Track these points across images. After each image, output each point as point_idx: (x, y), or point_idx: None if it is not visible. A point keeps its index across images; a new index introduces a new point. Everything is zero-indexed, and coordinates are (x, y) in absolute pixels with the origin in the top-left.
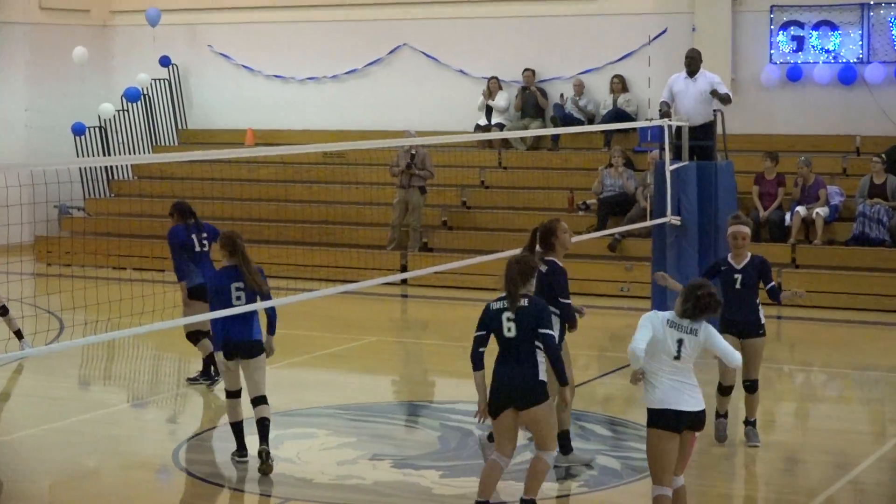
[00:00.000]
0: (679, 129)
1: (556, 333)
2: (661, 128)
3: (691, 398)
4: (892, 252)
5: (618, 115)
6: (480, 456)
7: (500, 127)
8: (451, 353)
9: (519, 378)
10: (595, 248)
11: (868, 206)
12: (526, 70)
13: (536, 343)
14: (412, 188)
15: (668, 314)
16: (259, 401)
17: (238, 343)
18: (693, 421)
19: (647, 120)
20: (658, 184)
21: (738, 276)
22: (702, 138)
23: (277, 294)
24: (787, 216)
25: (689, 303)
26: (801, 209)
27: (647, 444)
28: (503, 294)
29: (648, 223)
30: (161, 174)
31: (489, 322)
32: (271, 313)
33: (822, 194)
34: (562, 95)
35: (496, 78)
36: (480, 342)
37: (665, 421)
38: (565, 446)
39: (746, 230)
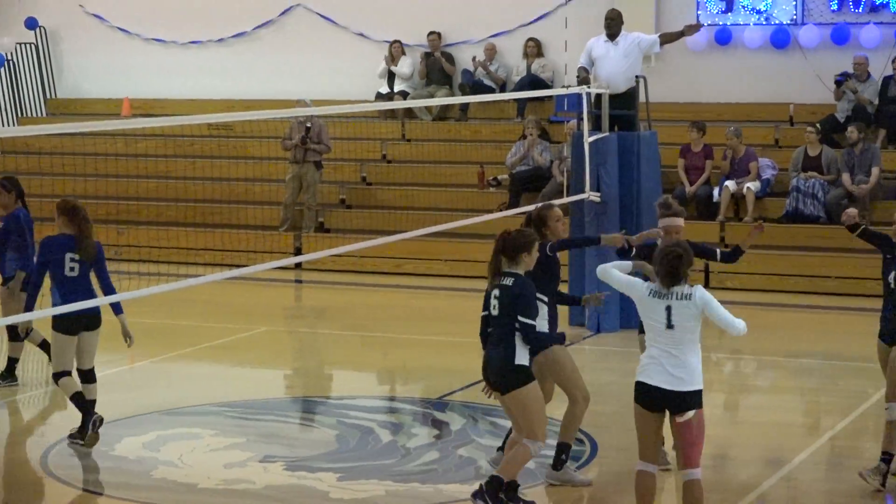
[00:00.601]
0: (599, 96)
1: (536, 323)
2: (578, 96)
3: (672, 375)
4: (827, 230)
5: (532, 82)
6: (383, 456)
7: (404, 95)
8: (350, 344)
9: (495, 360)
10: (507, 227)
11: (802, 179)
12: (431, 33)
13: (516, 325)
14: (307, 163)
15: (650, 284)
16: (89, 376)
17: (80, 314)
18: (668, 400)
19: (563, 87)
20: (576, 157)
21: None
22: (623, 107)
23: (158, 281)
24: (716, 191)
25: (658, 266)
26: (730, 184)
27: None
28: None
29: (565, 200)
30: (27, 149)
31: (486, 300)
32: (111, 292)
33: (752, 167)
34: (474, 59)
35: (399, 42)
36: (485, 322)
37: (637, 394)
38: (557, 461)
39: (681, 223)
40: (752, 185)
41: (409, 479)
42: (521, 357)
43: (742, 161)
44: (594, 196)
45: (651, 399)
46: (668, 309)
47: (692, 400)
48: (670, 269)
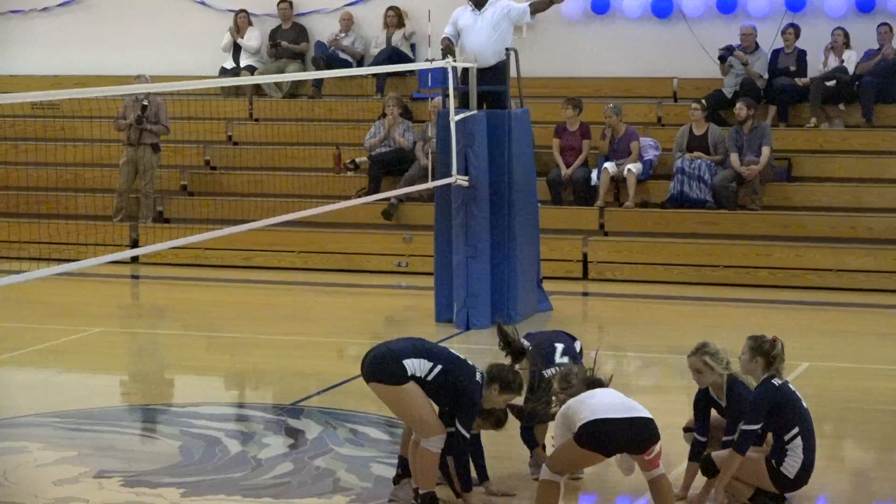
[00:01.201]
0: (466, 71)
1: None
2: (443, 70)
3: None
4: (715, 215)
5: (393, 55)
6: (231, 469)
7: (251, 70)
8: (194, 345)
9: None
10: (366, 216)
11: (687, 160)
12: (282, 2)
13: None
14: (143, 146)
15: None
16: None
17: None
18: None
19: (427, 61)
20: (441, 137)
21: None
22: (493, 82)
23: None
24: (594, 174)
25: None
26: (609, 165)
27: None
28: None
29: (430, 184)
30: None
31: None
32: None
33: (633, 147)
34: (336, 35)
35: (245, 11)
36: None
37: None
38: (397, 475)
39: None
40: (634, 167)
41: (261, 494)
42: (414, 367)
43: (622, 141)
44: (462, 180)
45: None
46: None
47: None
48: None
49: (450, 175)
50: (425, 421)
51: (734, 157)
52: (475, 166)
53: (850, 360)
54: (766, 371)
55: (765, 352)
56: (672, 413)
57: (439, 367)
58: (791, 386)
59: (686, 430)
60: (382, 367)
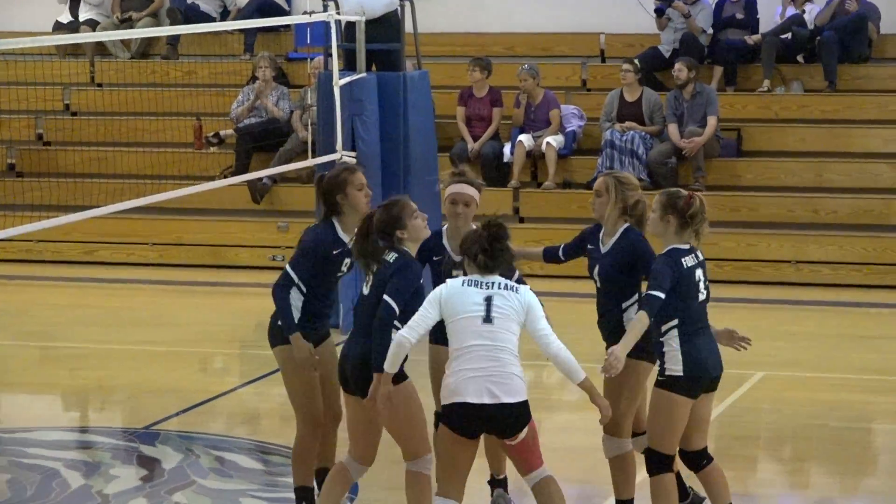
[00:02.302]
0: (351, 25)
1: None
2: (324, 24)
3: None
4: (651, 196)
5: (264, 6)
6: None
7: (93, 26)
8: (26, 357)
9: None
10: (234, 200)
11: (618, 132)
12: None
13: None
14: None
15: (463, 277)
16: None
17: None
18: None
19: (305, 14)
20: (323, 105)
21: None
22: (384, 39)
23: None
24: (507, 148)
25: (475, 246)
26: (525, 138)
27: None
28: None
29: (310, 162)
30: None
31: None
32: None
33: (553, 117)
34: None
35: None
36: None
37: (453, 417)
38: None
39: (472, 193)
40: (554, 140)
41: None
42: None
43: (540, 109)
44: (348, 156)
45: (466, 421)
46: (489, 300)
47: (519, 418)
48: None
49: (334, 150)
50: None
51: (673, 129)
52: (364, 140)
53: (813, 369)
54: (681, 234)
55: (679, 209)
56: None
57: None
58: (699, 273)
59: None
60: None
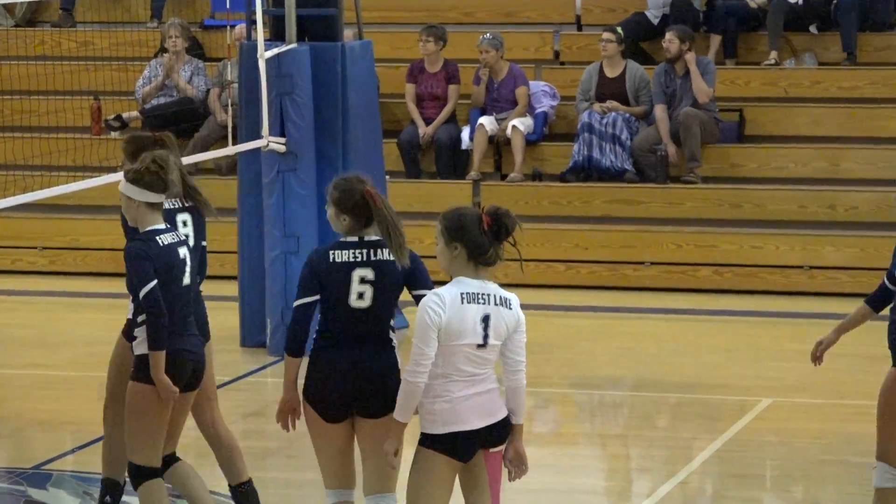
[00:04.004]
0: None
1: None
2: None
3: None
4: (636, 190)
5: None
6: None
7: None
8: None
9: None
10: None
11: (597, 114)
12: None
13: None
14: None
15: (456, 286)
16: None
17: None
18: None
19: None
20: (246, 82)
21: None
22: (318, 3)
23: None
24: (465, 133)
25: (482, 236)
26: (486, 121)
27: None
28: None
29: (231, 150)
30: None
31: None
32: None
33: (520, 95)
34: None
35: None
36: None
37: (444, 447)
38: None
39: None
40: (521, 124)
41: None
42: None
43: (504, 86)
44: (276, 143)
45: (465, 448)
46: (486, 319)
47: (505, 428)
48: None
49: (259, 136)
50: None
51: (661, 110)
52: (295, 123)
53: (827, 395)
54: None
55: None
56: (580, 470)
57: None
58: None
59: None
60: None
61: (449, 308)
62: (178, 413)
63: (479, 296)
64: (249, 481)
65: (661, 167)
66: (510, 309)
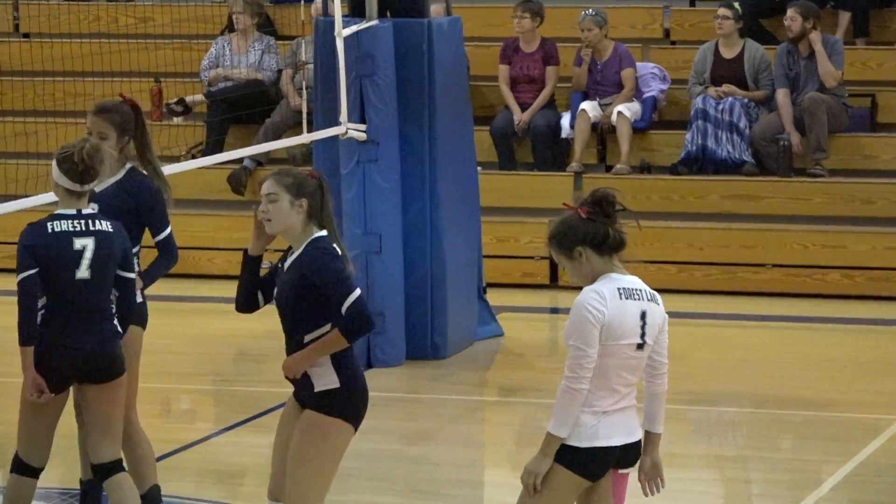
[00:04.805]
0: None
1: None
2: None
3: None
4: (756, 185)
5: None
6: None
7: None
8: None
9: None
10: (204, 188)
11: (712, 99)
12: None
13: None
14: None
15: (610, 282)
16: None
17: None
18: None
19: None
20: (323, 64)
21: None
22: None
23: None
24: (566, 120)
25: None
26: (589, 107)
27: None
28: None
29: (305, 137)
30: None
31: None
32: None
33: (626, 78)
34: None
35: None
36: None
37: (586, 464)
38: None
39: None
40: (627, 110)
41: None
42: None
43: (609, 68)
44: (356, 131)
45: (600, 467)
46: (643, 315)
47: (639, 449)
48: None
49: (336, 123)
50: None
51: (783, 95)
52: (377, 109)
53: None
54: None
55: None
56: (691, 498)
57: None
58: None
59: None
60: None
61: (610, 304)
62: (85, 411)
63: (634, 291)
64: (153, 489)
65: (784, 158)
66: (658, 305)
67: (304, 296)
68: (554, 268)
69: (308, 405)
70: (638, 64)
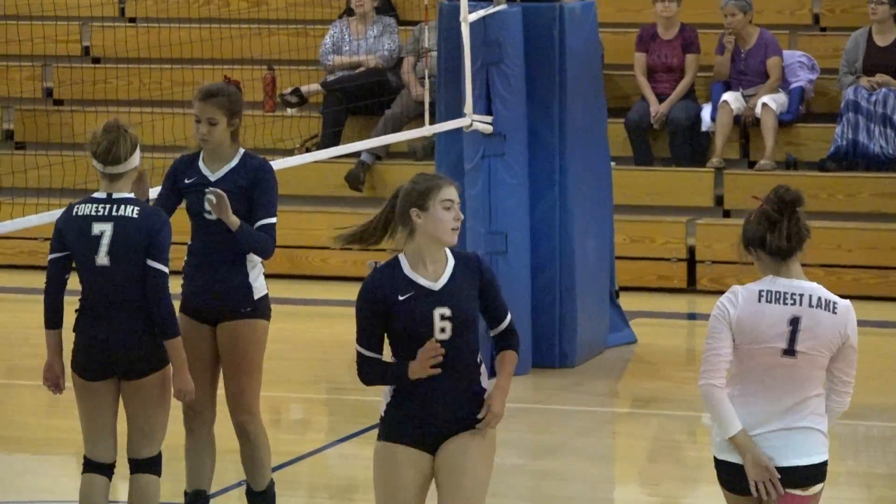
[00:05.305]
0: None
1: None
2: None
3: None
4: None
5: None
6: None
7: None
8: None
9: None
10: (318, 183)
11: (864, 90)
12: None
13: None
14: None
15: (761, 284)
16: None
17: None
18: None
19: None
20: (447, 51)
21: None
22: None
23: None
24: (706, 112)
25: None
26: (731, 98)
27: None
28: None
29: (428, 130)
30: None
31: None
32: None
33: (772, 67)
34: None
35: None
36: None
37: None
38: None
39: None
40: (773, 101)
41: None
42: None
43: (753, 56)
44: (481, 123)
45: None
46: (795, 322)
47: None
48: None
49: (461, 114)
50: None
51: None
52: (504, 99)
53: None
54: None
55: None
56: None
57: None
58: None
59: None
60: None
61: (742, 304)
62: (123, 404)
63: (788, 295)
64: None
65: None
66: (834, 313)
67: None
68: (692, 270)
69: (467, 427)
70: (785, 52)
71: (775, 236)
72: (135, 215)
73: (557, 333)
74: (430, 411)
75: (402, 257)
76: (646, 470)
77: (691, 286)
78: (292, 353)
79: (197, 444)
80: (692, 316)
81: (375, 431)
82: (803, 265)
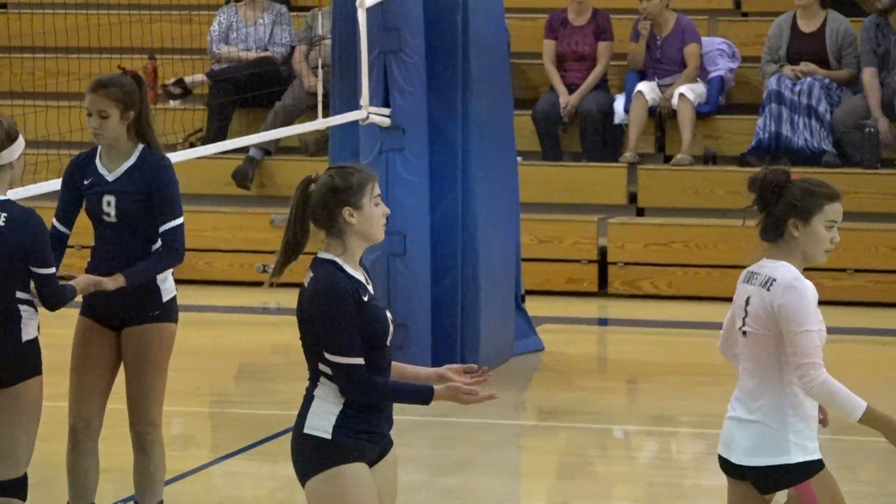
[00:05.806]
0: None
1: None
2: None
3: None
4: (841, 178)
5: None
6: None
7: None
8: None
9: None
10: (205, 181)
11: (788, 78)
12: None
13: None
14: None
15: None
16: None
17: None
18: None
19: None
20: (342, 39)
21: None
22: None
23: None
24: (620, 104)
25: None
26: (647, 88)
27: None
28: None
29: (321, 123)
30: None
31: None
32: None
33: (690, 55)
34: None
35: None
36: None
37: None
38: None
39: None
40: (691, 91)
41: None
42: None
43: (670, 44)
44: (379, 115)
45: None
46: (747, 301)
47: (782, 477)
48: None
49: (357, 106)
50: None
51: (870, 74)
52: (403, 91)
53: None
54: None
55: None
56: None
57: None
58: None
59: None
60: None
61: (737, 286)
62: None
63: (754, 275)
64: None
65: (871, 147)
66: (768, 290)
67: None
68: (604, 273)
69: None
70: (704, 39)
71: (759, 218)
72: (1, 222)
73: (459, 341)
74: (376, 427)
75: (338, 259)
76: (555, 487)
77: (602, 290)
78: (173, 362)
79: (84, 457)
80: (603, 321)
81: (264, 447)
82: (724, 266)
